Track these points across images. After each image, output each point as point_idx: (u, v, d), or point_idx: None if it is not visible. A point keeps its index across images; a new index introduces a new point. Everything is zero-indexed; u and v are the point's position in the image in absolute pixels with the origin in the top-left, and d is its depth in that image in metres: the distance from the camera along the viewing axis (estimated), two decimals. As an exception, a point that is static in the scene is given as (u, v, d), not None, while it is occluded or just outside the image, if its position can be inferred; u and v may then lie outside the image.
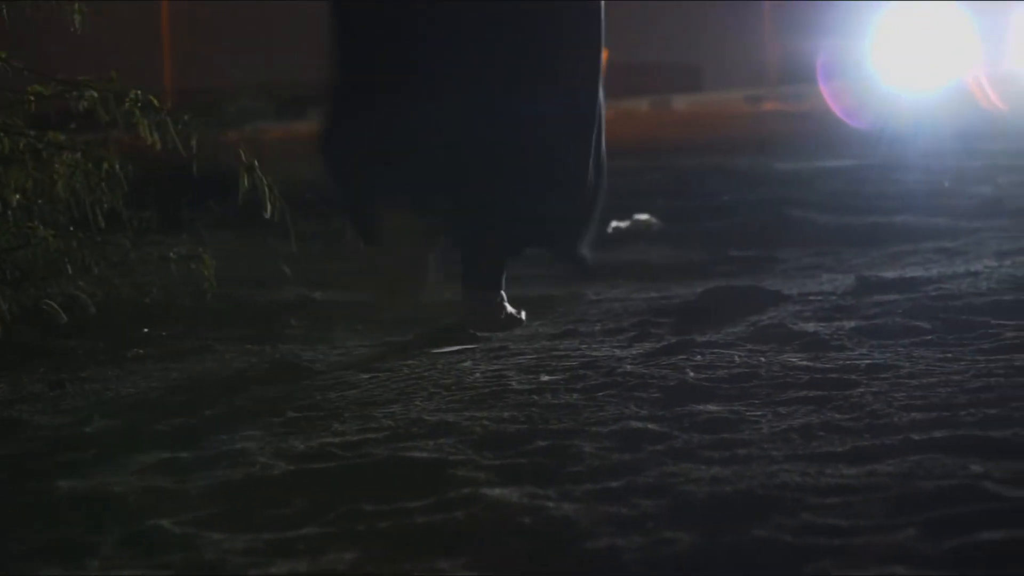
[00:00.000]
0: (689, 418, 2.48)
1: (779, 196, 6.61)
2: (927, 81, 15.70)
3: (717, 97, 17.51)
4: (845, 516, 1.90)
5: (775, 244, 5.19)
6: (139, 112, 3.42)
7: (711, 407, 2.55)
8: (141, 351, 3.54)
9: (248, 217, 6.00)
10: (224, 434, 2.58)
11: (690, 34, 19.17)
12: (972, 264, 4.17)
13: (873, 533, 1.83)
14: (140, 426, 2.71)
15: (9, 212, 3.60)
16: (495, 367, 3.06)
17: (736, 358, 2.93)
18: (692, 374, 2.81)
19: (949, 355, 2.89)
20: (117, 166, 3.65)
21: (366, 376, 3.08)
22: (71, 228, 3.72)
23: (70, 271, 3.70)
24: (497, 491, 2.07)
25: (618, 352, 3.16)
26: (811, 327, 3.25)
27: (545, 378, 2.89)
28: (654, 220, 5.90)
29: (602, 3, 3.63)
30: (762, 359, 2.92)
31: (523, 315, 3.73)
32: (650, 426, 2.42)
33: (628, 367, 2.91)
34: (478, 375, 2.98)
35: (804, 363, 2.87)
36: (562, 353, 3.19)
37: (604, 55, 3.69)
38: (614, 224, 5.80)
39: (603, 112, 3.68)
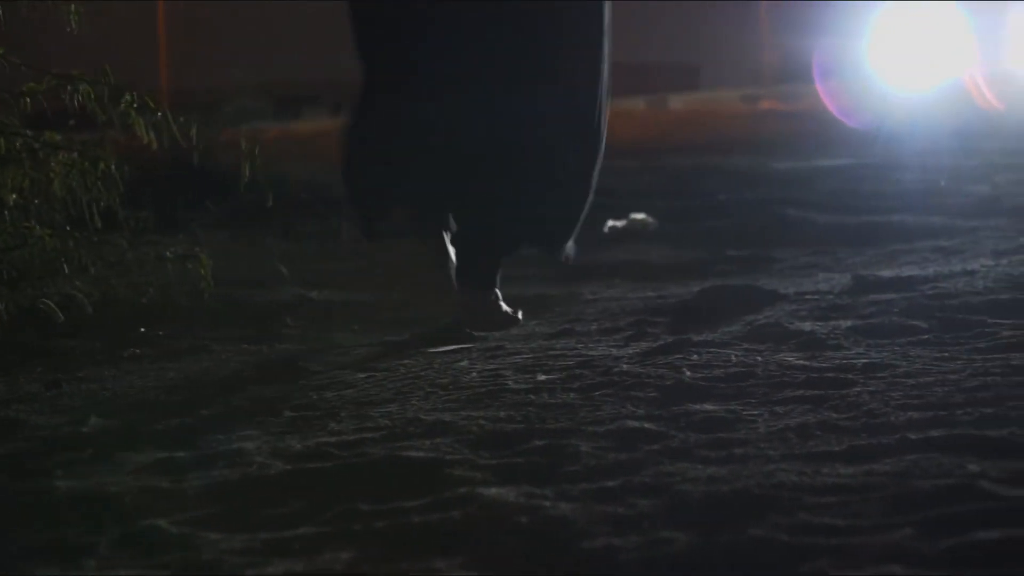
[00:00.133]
0: (686, 417, 2.48)
1: (776, 195, 6.61)
2: (924, 80, 15.70)
3: (714, 97, 17.51)
4: (842, 515, 1.90)
5: (772, 243, 5.19)
6: (135, 112, 3.42)
7: (708, 406, 2.55)
8: (138, 351, 3.54)
9: (245, 217, 6.02)
10: (221, 434, 2.58)
11: (687, 34, 19.17)
12: (969, 263, 4.18)
13: (870, 532, 1.83)
14: (137, 426, 2.71)
15: (6, 212, 3.60)
16: (492, 366, 3.06)
17: (733, 357, 2.93)
18: (689, 373, 2.81)
19: (946, 354, 2.90)
20: (113, 166, 3.65)
21: (363, 376, 3.08)
22: (68, 228, 3.72)
23: (67, 271, 3.70)
24: (494, 490, 2.07)
25: (615, 351, 3.16)
26: (808, 326, 3.25)
27: (542, 377, 2.89)
28: (651, 219, 5.90)
29: (606, 4, 3.63)
30: (759, 358, 2.92)
31: (520, 315, 3.73)
32: (647, 425, 2.42)
33: (625, 366, 2.91)
34: (475, 374, 2.98)
35: (801, 362, 2.87)
36: (559, 352, 3.19)
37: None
38: (610, 223, 5.80)
39: (605, 112, 3.67)
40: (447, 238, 3.66)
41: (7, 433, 2.70)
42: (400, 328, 3.73)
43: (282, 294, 4.36)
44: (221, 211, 6.12)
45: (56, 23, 3.55)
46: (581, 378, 2.85)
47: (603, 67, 3.63)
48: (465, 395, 2.78)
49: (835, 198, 6.46)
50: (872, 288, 3.76)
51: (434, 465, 2.26)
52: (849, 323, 3.28)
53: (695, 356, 2.97)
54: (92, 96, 3.38)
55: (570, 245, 3.76)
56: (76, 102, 3.39)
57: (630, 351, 3.14)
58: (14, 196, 3.62)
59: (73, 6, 3.55)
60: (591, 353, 3.15)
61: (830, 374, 2.74)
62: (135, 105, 3.41)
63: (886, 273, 4.06)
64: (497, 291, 3.69)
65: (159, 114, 3.41)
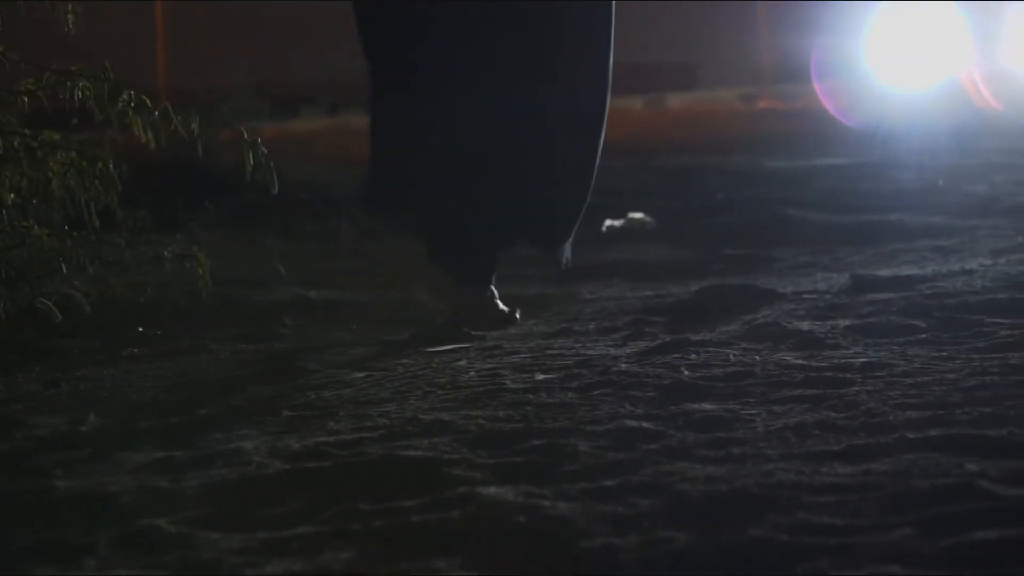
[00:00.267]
0: (684, 417, 2.48)
1: (774, 195, 6.61)
2: (921, 79, 15.69)
3: (712, 96, 17.50)
4: (841, 515, 1.90)
5: (770, 242, 5.19)
6: (132, 112, 3.42)
7: (706, 406, 2.55)
8: (136, 350, 3.54)
9: (244, 216, 6.02)
10: (219, 433, 2.58)
11: (685, 33, 19.17)
12: (967, 262, 4.18)
13: (869, 532, 1.83)
14: (135, 425, 2.71)
15: (4, 211, 3.60)
16: (490, 366, 3.06)
17: (731, 357, 2.94)
18: (687, 373, 2.81)
19: (944, 353, 2.90)
20: (111, 165, 3.64)
21: (361, 375, 3.08)
22: (66, 227, 3.72)
23: (65, 270, 3.70)
24: (492, 490, 2.07)
25: (613, 351, 3.16)
26: (806, 325, 3.25)
27: (540, 377, 2.89)
28: (648, 219, 5.90)
29: (612, 4, 3.62)
30: (757, 358, 2.92)
31: (518, 314, 3.73)
32: (645, 425, 2.42)
33: (623, 366, 2.91)
34: (473, 374, 2.98)
35: (799, 362, 2.87)
36: (557, 352, 3.19)
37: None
38: (608, 223, 5.80)
39: (605, 113, 3.68)
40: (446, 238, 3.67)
41: (5, 432, 2.69)
42: (399, 328, 3.73)
43: (281, 294, 4.36)
44: (220, 211, 6.11)
45: (55, 23, 3.55)
46: (579, 377, 2.85)
47: (606, 67, 3.63)
48: (463, 394, 2.78)
49: (833, 197, 6.46)
50: (870, 287, 3.76)
51: (433, 464, 2.26)
52: (847, 322, 3.28)
53: (693, 355, 2.97)
54: (91, 93, 3.38)
55: (567, 249, 3.77)
56: (76, 99, 3.38)
57: (628, 350, 3.14)
58: (12, 195, 3.61)
59: (70, 5, 3.55)
60: (589, 352, 3.15)
61: (828, 373, 2.75)
62: (133, 104, 3.40)
63: (884, 272, 4.06)
64: (493, 288, 3.70)
65: (156, 113, 3.41)
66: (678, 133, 11.75)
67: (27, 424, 2.75)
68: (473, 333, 3.53)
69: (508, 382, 2.85)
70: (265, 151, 3.47)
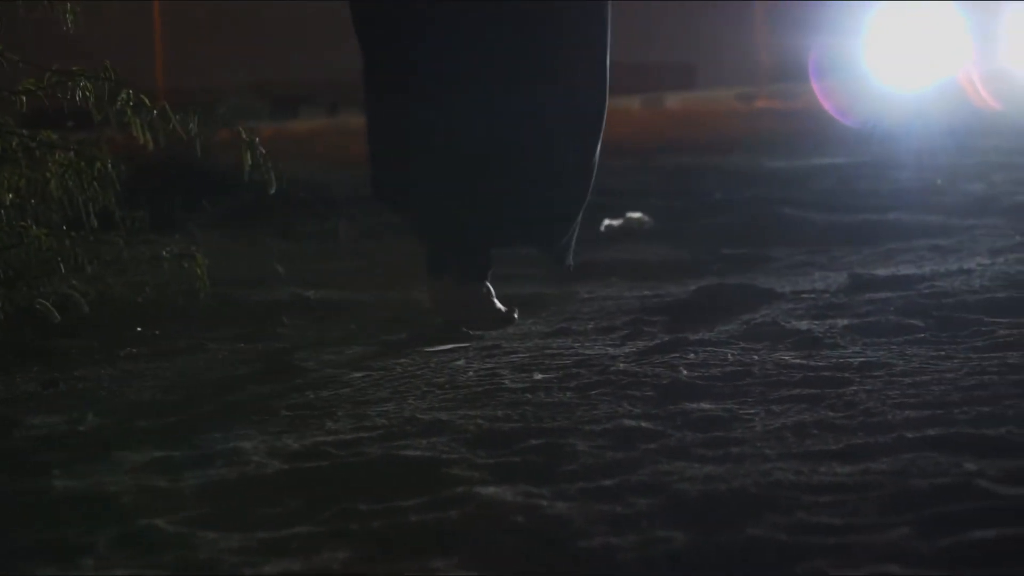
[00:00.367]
0: (682, 416, 2.48)
1: (772, 194, 6.61)
2: (919, 79, 15.70)
3: (710, 96, 17.51)
4: (839, 514, 1.90)
5: (768, 242, 5.19)
6: (131, 111, 3.42)
7: (704, 405, 2.55)
8: (134, 350, 3.54)
9: (242, 216, 6.02)
10: (218, 433, 2.58)
11: (683, 33, 19.17)
12: (965, 262, 4.18)
13: (867, 531, 1.84)
14: (134, 425, 2.71)
15: (2, 211, 3.60)
16: (488, 365, 3.06)
17: (729, 356, 2.94)
18: (685, 372, 2.81)
19: (942, 353, 2.90)
20: (110, 165, 3.64)
21: (359, 375, 3.08)
22: (64, 227, 3.72)
23: (63, 270, 3.70)
24: (491, 490, 2.07)
25: (611, 350, 3.16)
26: (804, 325, 3.25)
27: (538, 376, 2.89)
28: (647, 218, 5.89)
29: (607, 4, 3.63)
30: (755, 357, 2.92)
31: (516, 313, 3.73)
32: (643, 424, 2.43)
33: (621, 365, 2.91)
34: (471, 374, 2.98)
35: (797, 361, 2.87)
36: (555, 351, 3.19)
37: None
38: (607, 222, 5.80)
39: (604, 112, 3.68)
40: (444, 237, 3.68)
41: (4, 432, 2.69)
42: (397, 328, 3.73)
43: (279, 293, 4.36)
44: (218, 210, 6.12)
45: (54, 23, 3.55)
46: (578, 377, 2.85)
47: (605, 66, 3.63)
48: (462, 394, 2.78)
49: (831, 197, 6.46)
50: (869, 287, 3.76)
51: (431, 464, 2.26)
52: (846, 322, 3.28)
53: (692, 355, 2.97)
54: (92, 93, 3.38)
55: (572, 251, 3.77)
56: (76, 99, 3.38)
57: (627, 350, 3.14)
58: (10, 195, 3.61)
59: (69, 5, 3.55)
60: (588, 352, 3.15)
61: (827, 373, 2.75)
62: (131, 104, 3.40)
63: (883, 272, 4.06)
64: (489, 286, 3.70)
65: (155, 112, 3.40)
66: (677, 133, 11.75)
67: (26, 424, 2.75)
68: (471, 333, 3.53)
69: (506, 382, 2.85)
70: (263, 151, 3.47)
